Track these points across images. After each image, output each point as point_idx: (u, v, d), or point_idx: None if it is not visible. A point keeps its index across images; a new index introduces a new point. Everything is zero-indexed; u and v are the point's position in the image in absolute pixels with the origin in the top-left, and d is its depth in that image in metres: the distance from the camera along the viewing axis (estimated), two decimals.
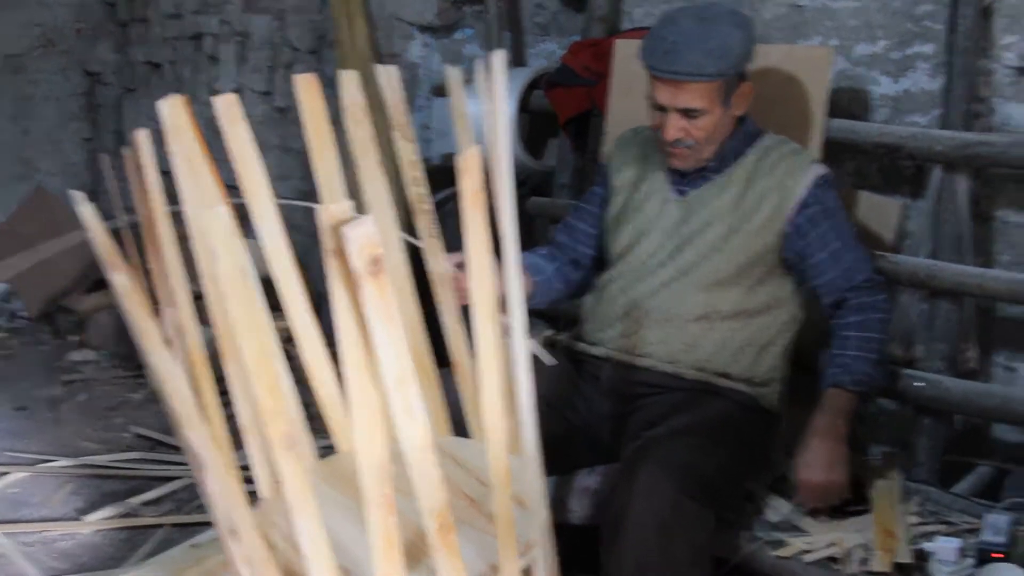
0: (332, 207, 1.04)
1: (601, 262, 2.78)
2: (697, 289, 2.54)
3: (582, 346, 2.68)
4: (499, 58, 1.44)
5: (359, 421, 1.12)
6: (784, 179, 2.52)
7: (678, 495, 2.18)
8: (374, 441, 1.13)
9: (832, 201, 2.55)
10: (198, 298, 1.59)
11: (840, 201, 2.58)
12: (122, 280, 1.13)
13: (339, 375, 1.42)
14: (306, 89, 1.55)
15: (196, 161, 1.45)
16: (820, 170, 2.55)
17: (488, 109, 1.44)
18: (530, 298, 2.67)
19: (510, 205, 1.41)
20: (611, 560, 2.21)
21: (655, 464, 2.21)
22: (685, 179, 2.58)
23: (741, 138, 2.56)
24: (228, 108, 1.49)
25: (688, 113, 2.43)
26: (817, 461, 2.41)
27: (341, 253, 1.03)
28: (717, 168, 2.55)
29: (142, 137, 1.40)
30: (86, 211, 1.13)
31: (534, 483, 1.53)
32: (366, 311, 1.04)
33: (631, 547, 2.17)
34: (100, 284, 5.07)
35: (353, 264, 1.00)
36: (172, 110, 1.41)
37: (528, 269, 2.66)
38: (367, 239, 0.99)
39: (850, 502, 2.54)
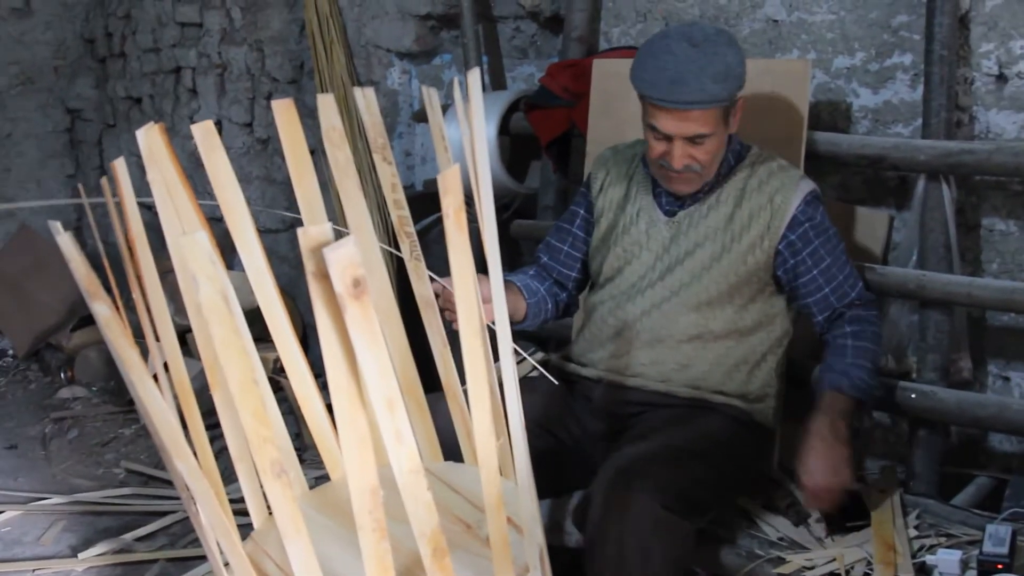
0: (312, 229, 1.03)
1: (584, 283, 2.77)
2: (688, 309, 2.53)
3: (573, 367, 2.67)
4: (474, 76, 1.42)
5: (347, 445, 1.10)
6: (774, 196, 2.51)
7: (654, 507, 2.17)
8: (364, 465, 1.11)
9: (822, 217, 2.54)
10: (187, 331, 1.58)
11: (828, 217, 2.58)
12: (103, 310, 1.11)
13: (328, 403, 1.41)
14: (284, 114, 1.53)
15: (175, 188, 1.44)
16: (809, 186, 2.54)
17: (467, 127, 1.43)
18: (523, 320, 2.66)
19: (493, 221, 1.40)
20: (592, 574, 2.20)
21: (629, 478, 2.20)
22: (676, 199, 2.57)
23: (730, 156, 2.55)
24: (206, 136, 1.48)
25: (694, 139, 2.41)
26: (821, 464, 2.37)
27: (323, 275, 1.02)
28: (708, 188, 2.55)
29: (120, 166, 1.38)
30: (64, 241, 1.12)
31: (528, 506, 1.51)
32: (350, 333, 1.02)
33: (611, 561, 2.16)
34: (87, 321, 5.06)
35: (335, 286, 0.98)
36: (149, 137, 1.39)
37: (523, 289, 2.67)
38: (348, 260, 0.97)
39: (850, 509, 2.52)
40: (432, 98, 1.56)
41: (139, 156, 1.47)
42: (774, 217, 2.50)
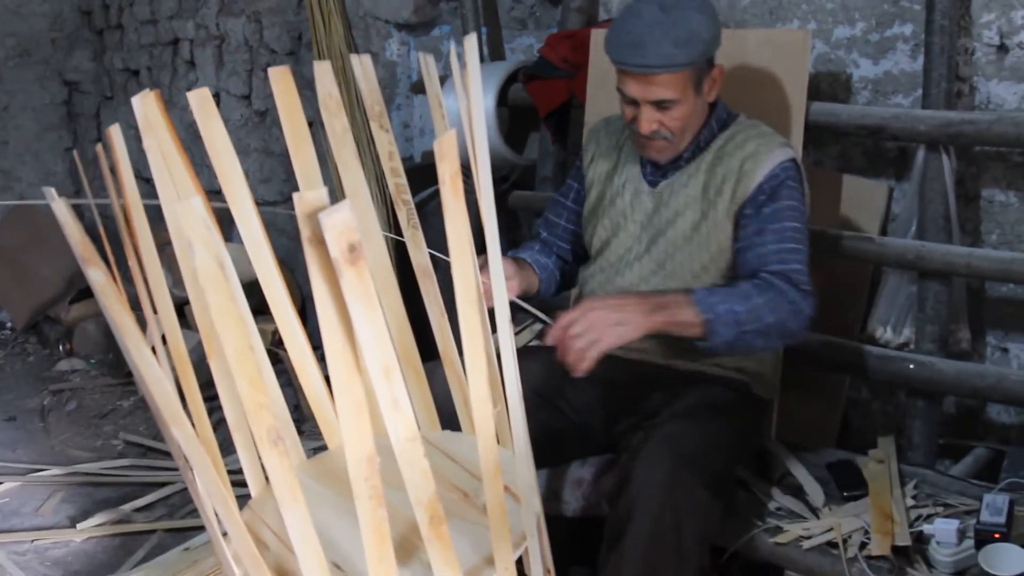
0: (308, 195, 1.02)
1: (585, 255, 2.76)
2: (676, 282, 2.50)
3: None
4: (471, 42, 1.41)
5: (344, 412, 1.09)
6: (745, 162, 2.44)
7: (694, 487, 2.16)
8: (360, 432, 1.11)
9: (787, 190, 2.42)
10: (186, 303, 1.57)
11: (800, 193, 2.45)
12: (98, 276, 1.11)
13: (326, 374, 1.40)
14: (280, 82, 1.52)
15: (170, 155, 1.43)
16: (785, 155, 2.44)
17: (464, 96, 1.42)
18: (536, 294, 2.66)
19: (490, 192, 1.39)
20: (620, 548, 2.16)
21: (671, 456, 2.17)
22: (658, 169, 2.55)
23: (713, 124, 2.52)
24: (202, 104, 1.47)
25: (661, 105, 2.37)
26: (597, 312, 2.17)
27: (320, 241, 1.01)
28: (689, 156, 2.51)
29: (116, 132, 1.37)
30: (59, 207, 1.11)
31: (524, 474, 1.51)
32: (346, 299, 1.01)
33: (643, 536, 2.13)
34: (86, 293, 5.06)
35: (331, 251, 0.97)
36: (145, 105, 1.39)
37: (533, 265, 2.69)
38: (344, 225, 0.96)
39: (848, 478, 2.52)
40: (429, 65, 1.55)
41: (137, 128, 1.46)
42: (739, 182, 2.43)
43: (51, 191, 1.14)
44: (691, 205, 2.48)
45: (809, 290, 2.35)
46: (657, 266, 2.52)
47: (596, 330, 2.15)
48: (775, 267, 2.35)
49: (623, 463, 2.29)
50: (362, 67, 1.56)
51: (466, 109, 1.43)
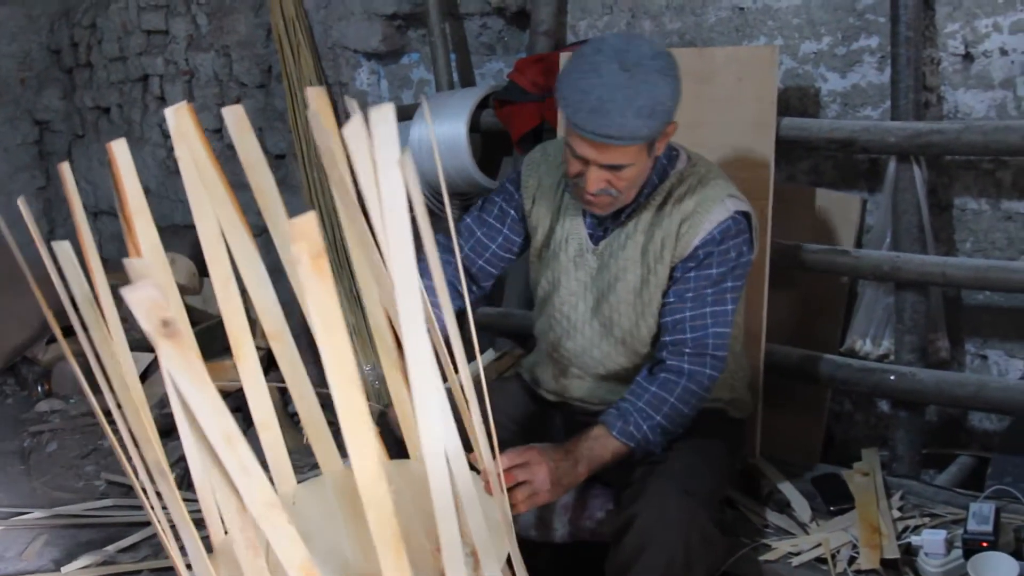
0: (300, 220, 1.00)
1: (498, 281, 2.66)
2: (626, 348, 2.44)
3: (549, 396, 2.62)
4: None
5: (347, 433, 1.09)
6: (682, 224, 2.31)
7: (705, 522, 2.15)
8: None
9: (719, 255, 2.30)
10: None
11: (738, 251, 2.33)
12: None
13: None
14: (237, 121, 1.52)
15: (204, 166, 1.44)
16: (723, 213, 2.31)
17: (431, 126, 1.41)
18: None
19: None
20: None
21: (678, 493, 2.15)
22: (599, 224, 2.43)
23: (654, 177, 2.36)
24: (237, 119, 1.49)
25: (612, 168, 2.21)
26: (535, 465, 2.11)
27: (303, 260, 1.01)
28: (630, 212, 2.38)
29: (119, 147, 1.38)
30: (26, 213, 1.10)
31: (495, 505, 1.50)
32: (170, 372, 1.00)
33: (655, 569, 2.10)
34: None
35: (144, 327, 0.96)
36: (179, 116, 1.43)
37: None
38: (152, 301, 0.94)
39: (834, 493, 2.51)
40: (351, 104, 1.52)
41: (107, 165, 1.47)
42: (676, 246, 2.32)
43: (23, 203, 1.13)
44: (631, 268, 2.38)
45: (720, 355, 2.32)
46: (604, 330, 2.44)
47: (537, 481, 2.10)
48: (688, 335, 2.31)
49: (626, 498, 2.25)
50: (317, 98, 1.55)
51: (433, 138, 1.43)
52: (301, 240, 0.99)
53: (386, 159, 1.06)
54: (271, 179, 1.61)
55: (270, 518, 1.10)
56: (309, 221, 1.00)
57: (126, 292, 0.93)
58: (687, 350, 2.30)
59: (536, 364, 2.65)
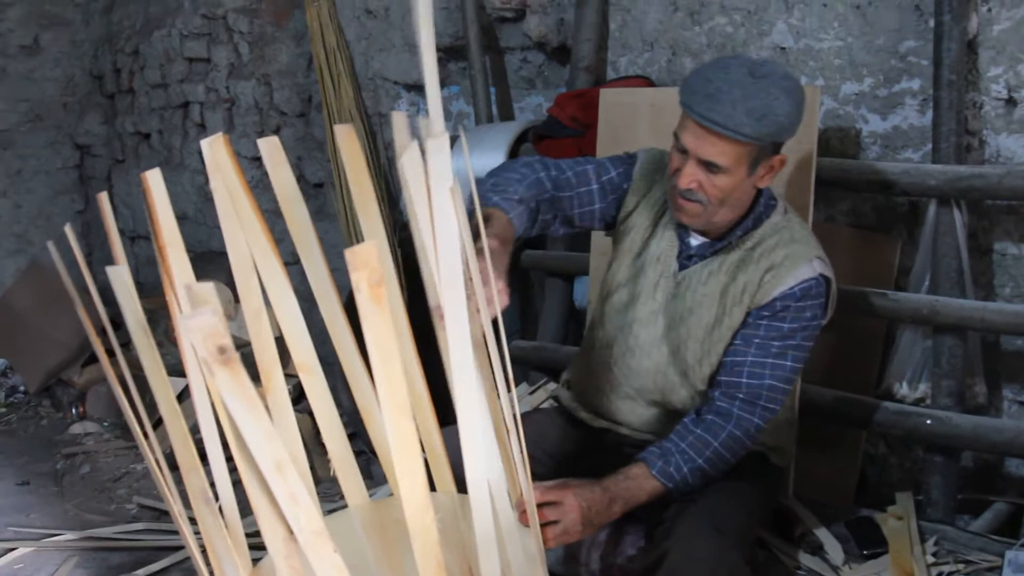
0: (362, 248, 1.01)
1: (554, 229, 2.53)
2: (687, 381, 2.42)
3: (592, 420, 2.59)
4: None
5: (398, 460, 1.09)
6: (766, 274, 2.32)
7: (737, 562, 2.12)
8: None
9: (795, 311, 2.30)
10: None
11: (812, 313, 2.32)
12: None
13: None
14: (272, 153, 1.55)
15: (238, 197, 1.46)
16: (809, 272, 2.30)
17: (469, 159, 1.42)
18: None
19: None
20: None
21: (711, 532, 2.13)
22: (688, 249, 2.42)
23: (748, 222, 2.35)
24: (272, 151, 1.52)
25: (709, 166, 2.21)
26: (571, 502, 2.07)
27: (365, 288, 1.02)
28: (718, 248, 2.37)
29: (154, 177, 1.40)
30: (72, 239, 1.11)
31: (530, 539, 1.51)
32: (224, 399, 1.01)
33: None
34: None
35: (200, 354, 0.97)
36: (214, 148, 1.45)
37: (510, 220, 2.27)
38: (209, 329, 0.96)
39: (867, 537, 2.49)
40: (399, 123, 1.53)
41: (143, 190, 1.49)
42: (756, 295, 2.32)
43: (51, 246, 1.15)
44: (707, 304, 2.37)
45: (771, 407, 2.30)
46: (672, 355, 2.42)
47: (568, 520, 2.06)
48: (743, 379, 2.29)
49: (657, 535, 2.23)
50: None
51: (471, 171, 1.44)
52: (362, 268, 1.01)
53: (440, 188, 1.08)
54: (305, 211, 1.63)
55: (317, 547, 1.10)
56: (370, 249, 1.01)
57: (183, 319, 0.94)
58: (740, 395, 2.28)
59: (582, 379, 2.62)
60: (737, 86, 2.13)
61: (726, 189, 2.23)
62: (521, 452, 1.51)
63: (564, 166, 2.47)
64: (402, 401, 1.10)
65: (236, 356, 0.98)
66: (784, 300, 2.29)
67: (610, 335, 2.53)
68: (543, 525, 2.04)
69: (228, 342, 0.97)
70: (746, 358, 2.30)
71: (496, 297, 1.77)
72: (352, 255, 1.00)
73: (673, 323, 2.41)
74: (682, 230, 2.42)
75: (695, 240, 2.40)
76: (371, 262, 1.01)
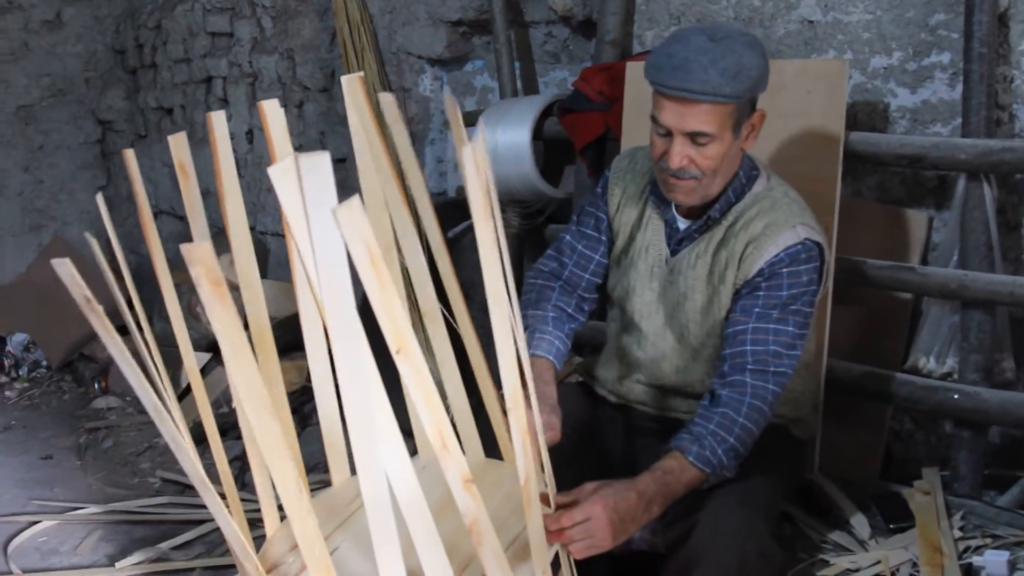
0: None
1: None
2: (702, 356, 2.42)
3: (609, 396, 2.60)
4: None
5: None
6: (747, 246, 2.29)
7: (764, 535, 2.11)
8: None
9: (787, 276, 2.26)
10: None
11: (806, 278, 2.27)
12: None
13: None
14: (271, 114, 1.57)
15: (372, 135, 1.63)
16: (792, 238, 2.27)
17: (493, 135, 1.42)
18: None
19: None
20: None
21: (739, 506, 2.12)
22: (676, 233, 2.41)
23: (730, 194, 2.34)
24: (273, 114, 1.58)
25: (695, 138, 2.20)
26: (600, 510, 1.95)
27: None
28: (703, 227, 2.36)
29: (218, 118, 1.43)
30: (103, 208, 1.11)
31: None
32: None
33: None
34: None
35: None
36: (351, 86, 1.65)
37: (554, 364, 2.42)
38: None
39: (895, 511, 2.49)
40: (451, 105, 1.55)
41: (171, 166, 1.50)
42: (740, 268, 2.30)
43: (91, 238, 1.15)
44: (698, 288, 2.36)
45: (782, 371, 2.24)
46: (678, 342, 2.43)
47: (597, 535, 1.95)
48: (747, 347, 2.25)
49: (683, 510, 2.18)
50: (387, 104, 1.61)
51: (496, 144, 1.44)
52: (198, 265, 1.02)
53: (319, 208, 1.09)
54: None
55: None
56: (204, 248, 1.02)
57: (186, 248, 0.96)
58: (749, 365, 2.24)
59: (601, 364, 2.64)
60: (702, 52, 2.15)
61: (717, 158, 2.23)
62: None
63: (567, 261, 2.56)
64: (261, 394, 1.12)
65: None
66: (773, 267, 2.26)
67: (618, 329, 2.56)
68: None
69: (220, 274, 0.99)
70: (747, 327, 2.26)
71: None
72: (188, 251, 1.02)
73: (672, 311, 2.41)
74: (668, 215, 2.41)
75: (683, 223, 2.40)
76: (206, 259, 1.02)
